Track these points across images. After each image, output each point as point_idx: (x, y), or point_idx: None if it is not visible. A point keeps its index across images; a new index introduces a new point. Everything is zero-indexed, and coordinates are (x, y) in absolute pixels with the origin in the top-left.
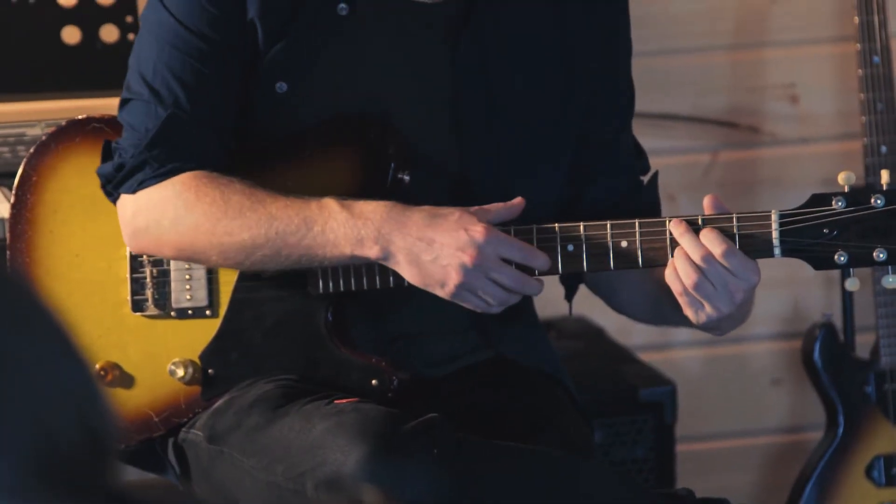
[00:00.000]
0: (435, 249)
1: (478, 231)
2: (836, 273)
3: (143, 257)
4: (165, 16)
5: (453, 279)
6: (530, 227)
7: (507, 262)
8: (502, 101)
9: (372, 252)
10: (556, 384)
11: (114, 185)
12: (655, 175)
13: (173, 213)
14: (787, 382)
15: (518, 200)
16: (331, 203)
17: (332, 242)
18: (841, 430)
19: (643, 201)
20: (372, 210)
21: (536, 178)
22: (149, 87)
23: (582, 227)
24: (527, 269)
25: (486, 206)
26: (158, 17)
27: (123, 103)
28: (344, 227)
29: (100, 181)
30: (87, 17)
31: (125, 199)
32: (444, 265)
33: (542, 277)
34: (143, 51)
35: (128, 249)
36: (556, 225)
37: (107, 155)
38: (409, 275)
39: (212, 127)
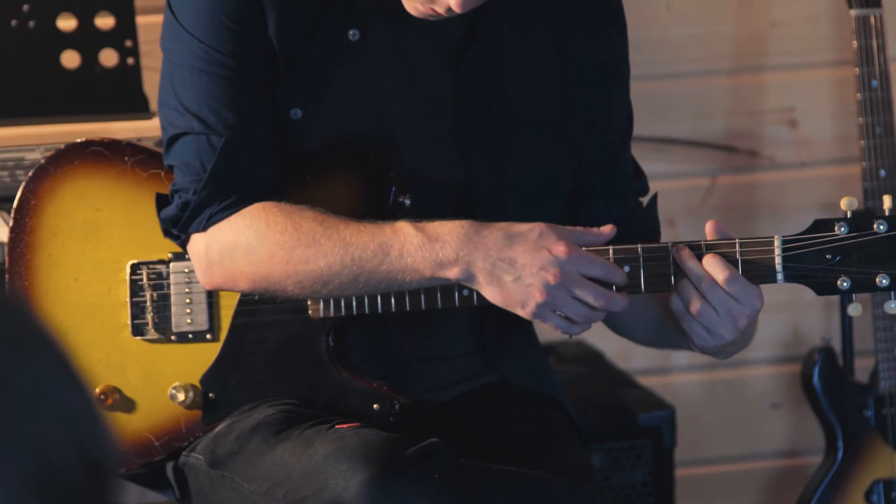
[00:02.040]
0: (517, 269)
1: (560, 249)
2: (835, 297)
3: (143, 281)
4: (190, 41)
5: (536, 298)
6: None
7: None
8: (503, 122)
9: (452, 273)
10: (557, 408)
11: (182, 227)
12: (655, 197)
13: (246, 243)
14: (787, 407)
15: (607, 228)
16: (405, 226)
17: (410, 267)
18: (840, 454)
19: (642, 223)
20: (448, 231)
21: (537, 199)
22: (197, 118)
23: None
24: (606, 286)
25: (568, 227)
26: (184, 46)
27: (170, 143)
28: (421, 251)
29: (162, 227)
30: (87, 42)
31: (196, 238)
32: (528, 285)
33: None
34: (177, 83)
35: (127, 272)
36: None
37: (162, 202)
38: (491, 295)
39: (265, 144)
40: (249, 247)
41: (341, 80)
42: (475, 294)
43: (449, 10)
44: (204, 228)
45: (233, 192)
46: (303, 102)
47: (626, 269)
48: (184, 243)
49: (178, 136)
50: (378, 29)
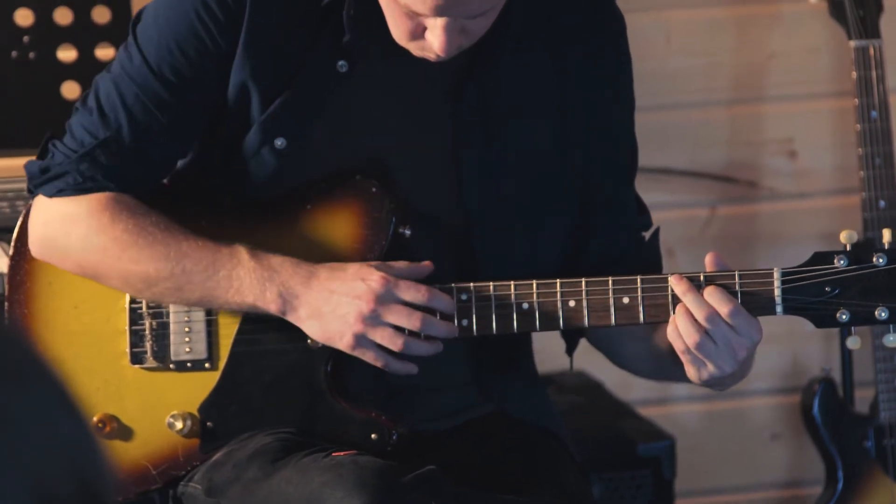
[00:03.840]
0: (334, 300)
1: (375, 278)
2: (834, 328)
3: (143, 309)
4: (135, 50)
5: (353, 328)
6: (531, 283)
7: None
8: (503, 156)
9: (273, 305)
10: (555, 439)
11: (35, 184)
12: (657, 231)
13: (84, 230)
14: (787, 437)
15: (426, 263)
16: (241, 251)
17: (235, 289)
18: (840, 485)
19: (644, 258)
20: (280, 263)
21: (538, 232)
22: (98, 107)
23: (584, 283)
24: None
25: (390, 262)
26: (129, 51)
27: (74, 111)
28: (249, 277)
29: (26, 175)
30: (87, 73)
31: (40, 201)
32: (343, 314)
33: (542, 332)
34: (108, 73)
35: (127, 301)
36: (558, 280)
37: (44, 150)
38: (311, 329)
39: (144, 165)
40: (87, 235)
41: (330, 111)
42: (473, 325)
43: (437, 55)
44: (50, 196)
45: (90, 180)
46: (287, 132)
47: (626, 300)
48: (31, 199)
49: (79, 109)
50: (368, 61)
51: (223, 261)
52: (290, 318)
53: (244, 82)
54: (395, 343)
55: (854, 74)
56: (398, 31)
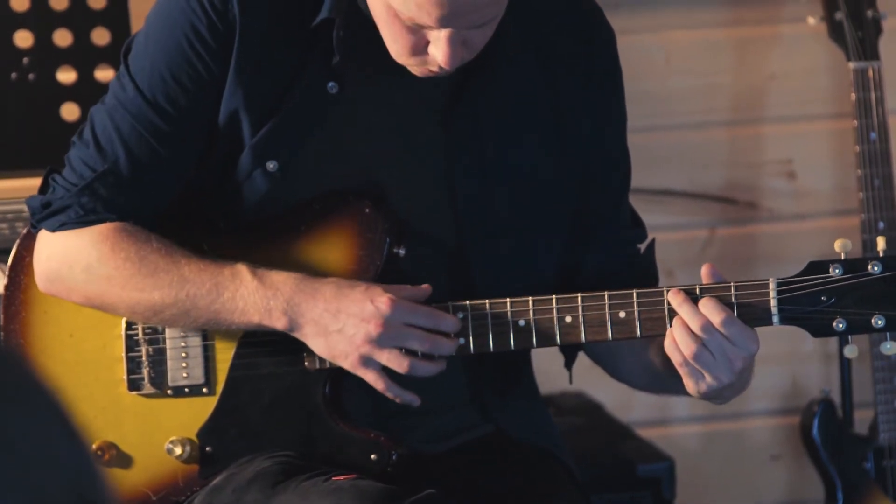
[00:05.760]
0: (341, 320)
1: (383, 301)
2: (834, 349)
3: (139, 335)
4: (128, 80)
5: (358, 349)
6: (526, 300)
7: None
8: (497, 173)
9: (279, 323)
10: (555, 460)
11: (37, 219)
12: (652, 243)
13: (87, 261)
14: (786, 458)
15: (425, 286)
16: (243, 270)
17: (240, 310)
18: None
19: (640, 270)
20: (283, 280)
21: (533, 248)
22: (95, 139)
23: (580, 298)
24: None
25: (395, 286)
26: (123, 81)
27: (72, 144)
28: (254, 296)
29: (28, 210)
30: (87, 95)
31: (43, 236)
32: (350, 335)
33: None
34: (102, 105)
35: (123, 327)
36: (554, 297)
37: (45, 185)
38: (316, 346)
39: (144, 195)
40: (90, 266)
41: (321, 133)
42: (470, 343)
43: (441, 67)
44: (53, 230)
45: (91, 213)
46: (279, 155)
47: (622, 314)
48: (35, 233)
49: (82, 141)
50: (359, 82)
51: (226, 283)
52: (297, 335)
53: (236, 106)
54: (400, 365)
55: (853, 96)
56: (398, 47)
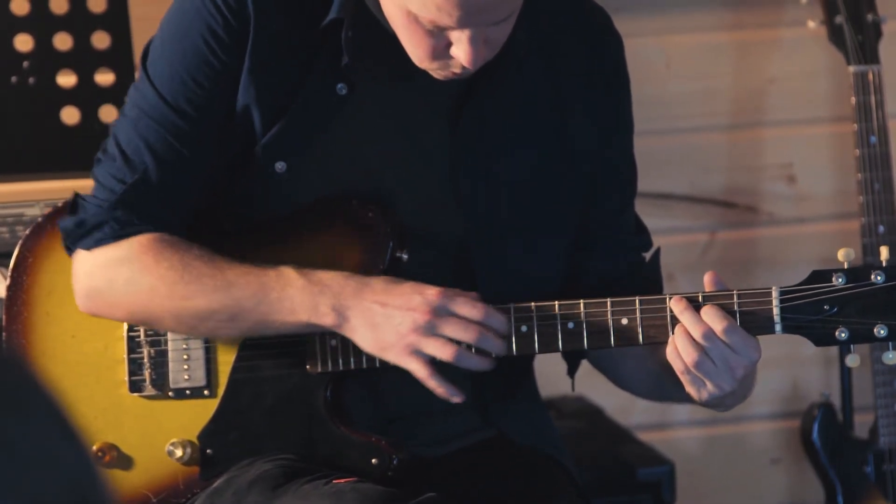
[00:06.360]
0: (388, 311)
1: (431, 292)
2: (834, 353)
3: (141, 337)
4: (148, 87)
5: (404, 338)
6: (529, 305)
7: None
8: (503, 178)
9: (327, 319)
10: (556, 463)
11: (72, 241)
12: (657, 252)
13: (128, 274)
14: (786, 462)
15: (472, 294)
16: (288, 271)
17: (288, 309)
18: None
19: (645, 278)
20: (330, 278)
21: (538, 253)
22: (121, 152)
23: (582, 305)
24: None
25: (447, 288)
26: (142, 88)
27: (97, 161)
28: (301, 294)
29: (61, 234)
30: (87, 99)
31: (81, 256)
32: (397, 324)
33: (541, 354)
34: (123, 117)
35: (125, 329)
36: (556, 303)
37: (74, 206)
38: (364, 340)
39: (176, 200)
40: (132, 278)
41: (330, 134)
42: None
43: (463, 68)
44: (90, 249)
45: (127, 225)
46: (288, 156)
47: (624, 321)
48: (71, 255)
49: (102, 159)
50: (368, 83)
51: (271, 283)
52: (343, 331)
53: (248, 105)
54: (447, 353)
55: (853, 99)
56: (418, 52)
